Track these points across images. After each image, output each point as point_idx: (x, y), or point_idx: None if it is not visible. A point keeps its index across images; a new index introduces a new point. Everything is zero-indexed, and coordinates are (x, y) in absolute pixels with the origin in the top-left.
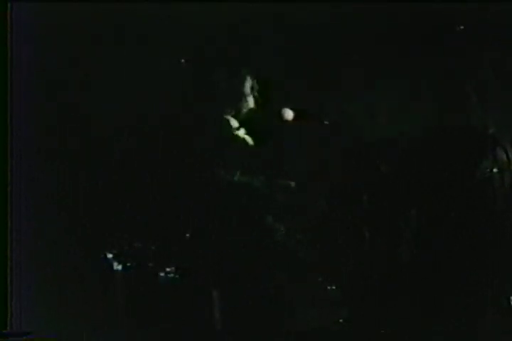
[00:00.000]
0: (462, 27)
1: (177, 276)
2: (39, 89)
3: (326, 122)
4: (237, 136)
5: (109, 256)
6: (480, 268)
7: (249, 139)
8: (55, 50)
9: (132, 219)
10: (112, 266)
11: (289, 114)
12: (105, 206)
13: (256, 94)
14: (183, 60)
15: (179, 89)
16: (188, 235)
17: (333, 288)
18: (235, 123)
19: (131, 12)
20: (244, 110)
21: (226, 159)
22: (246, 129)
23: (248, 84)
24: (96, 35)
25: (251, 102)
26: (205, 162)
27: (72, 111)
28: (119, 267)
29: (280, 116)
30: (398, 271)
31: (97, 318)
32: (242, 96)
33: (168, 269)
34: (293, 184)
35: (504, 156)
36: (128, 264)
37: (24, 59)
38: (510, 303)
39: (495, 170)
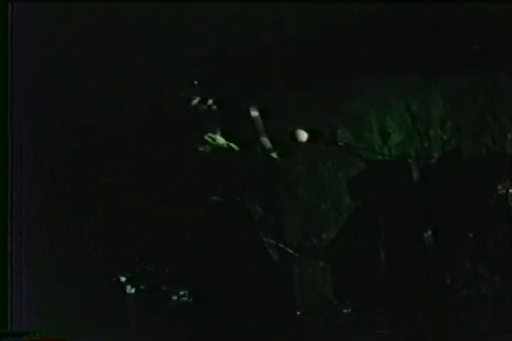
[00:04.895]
0: (478, 46)
1: (190, 300)
2: (39, 88)
3: (340, 143)
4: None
5: (122, 279)
6: (497, 288)
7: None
8: (55, 49)
9: (145, 243)
10: (124, 289)
11: (303, 136)
12: (118, 230)
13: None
14: (196, 82)
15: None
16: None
17: (349, 310)
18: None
19: (131, 12)
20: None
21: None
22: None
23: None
24: (96, 35)
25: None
26: (219, 186)
27: (73, 113)
28: (132, 290)
29: (294, 137)
30: (414, 294)
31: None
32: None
33: (181, 292)
34: (296, 254)
35: None
36: (141, 287)
37: (24, 59)
38: None
39: (511, 190)
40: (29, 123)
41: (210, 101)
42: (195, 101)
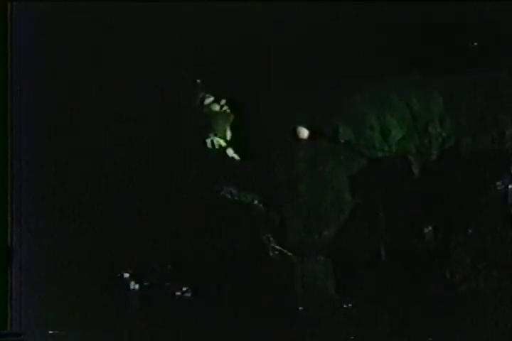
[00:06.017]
0: (476, 43)
1: (193, 295)
2: (39, 88)
3: (341, 140)
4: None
5: (126, 275)
6: (496, 284)
7: (237, 157)
8: (55, 49)
9: (149, 239)
10: (128, 285)
11: (304, 133)
12: (121, 228)
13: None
14: (198, 81)
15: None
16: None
17: (350, 305)
18: (222, 143)
19: (131, 12)
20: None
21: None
22: (233, 148)
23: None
24: (96, 34)
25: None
26: (218, 184)
27: (73, 113)
28: (136, 286)
29: (295, 134)
30: (414, 289)
31: (113, 337)
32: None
33: (184, 288)
34: (294, 257)
35: None
36: (145, 284)
37: (24, 58)
38: None
39: (510, 186)
40: (29, 123)
41: (223, 101)
42: (209, 100)
